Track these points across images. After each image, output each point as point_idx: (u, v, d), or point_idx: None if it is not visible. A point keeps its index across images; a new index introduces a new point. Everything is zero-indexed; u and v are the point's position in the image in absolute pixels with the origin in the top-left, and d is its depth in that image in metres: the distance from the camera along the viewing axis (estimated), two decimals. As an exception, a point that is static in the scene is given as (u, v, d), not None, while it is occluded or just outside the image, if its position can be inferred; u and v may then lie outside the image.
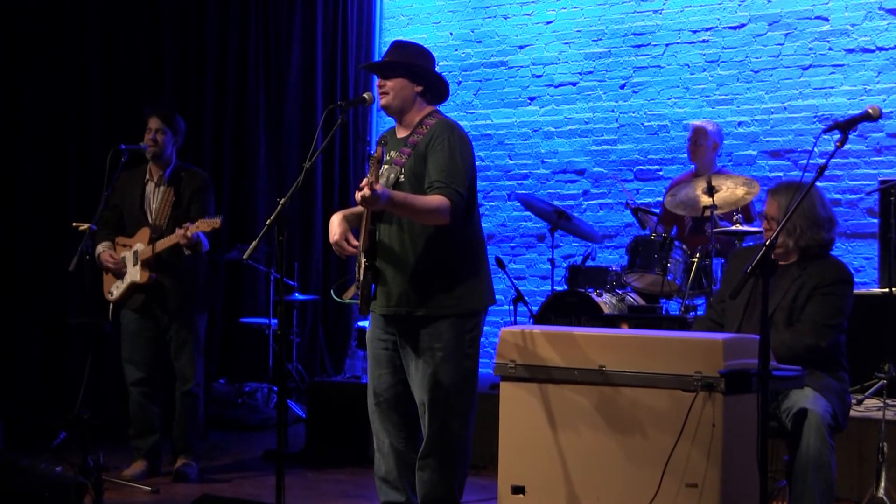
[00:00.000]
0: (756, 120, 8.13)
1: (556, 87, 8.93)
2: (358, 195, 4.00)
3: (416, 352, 4.28)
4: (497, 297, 4.49)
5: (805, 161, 7.69)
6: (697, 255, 6.53)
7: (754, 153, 8.13)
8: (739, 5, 8.24)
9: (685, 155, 7.50)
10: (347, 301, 4.48)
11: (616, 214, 8.59)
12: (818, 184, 3.97)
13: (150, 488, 5.65)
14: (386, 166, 4.34)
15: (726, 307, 4.60)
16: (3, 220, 7.51)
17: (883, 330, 5.96)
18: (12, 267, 7.53)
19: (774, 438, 4.30)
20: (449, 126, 4.34)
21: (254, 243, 4.04)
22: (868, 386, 5.90)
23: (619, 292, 7.01)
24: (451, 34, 9.38)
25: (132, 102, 7.97)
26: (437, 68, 4.53)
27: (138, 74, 8.17)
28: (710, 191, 6.28)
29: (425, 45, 4.57)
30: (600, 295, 6.87)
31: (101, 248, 6.03)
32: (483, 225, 4.73)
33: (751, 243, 6.34)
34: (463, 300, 4.28)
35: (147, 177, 6.10)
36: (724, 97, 8.25)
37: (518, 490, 4.08)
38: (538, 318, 6.91)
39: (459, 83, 9.18)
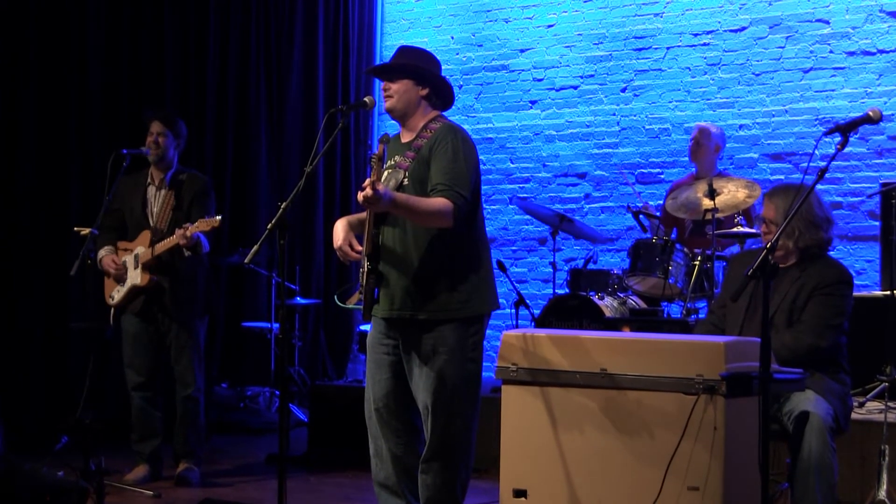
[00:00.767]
0: (757, 123, 8.14)
1: (557, 90, 8.94)
2: (360, 195, 3.99)
3: (419, 355, 4.27)
4: (499, 300, 4.49)
5: (806, 164, 7.69)
6: (699, 258, 6.53)
7: (755, 156, 8.13)
8: (740, 8, 8.25)
9: (686, 158, 7.50)
10: (352, 307, 4.46)
11: (617, 218, 8.59)
12: (817, 186, 3.96)
13: (151, 493, 5.66)
14: (389, 170, 4.33)
15: (727, 310, 4.60)
16: (4, 223, 7.51)
17: (884, 332, 5.96)
18: (14, 271, 7.53)
19: (776, 441, 4.30)
20: (453, 130, 4.32)
21: (255, 247, 4.04)
22: (870, 388, 5.89)
23: (621, 295, 7.01)
24: (453, 38, 9.39)
25: (133, 105, 7.99)
26: (440, 70, 4.51)
27: (139, 77, 8.18)
28: (712, 194, 6.29)
29: (429, 50, 4.57)
30: (602, 298, 6.87)
31: (103, 253, 6.03)
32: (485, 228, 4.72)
33: (754, 246, 6.34)
34: (466, 304, 4.27)
35: (148, 180, 6.11)
36: (725, 100, 8.25)
37: (520, 493, 4.07)
38: (540, 322, 6.91)
39: (461, 87, 9.19)
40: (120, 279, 6.01)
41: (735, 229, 6.37)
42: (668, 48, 8.50)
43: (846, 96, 7.79)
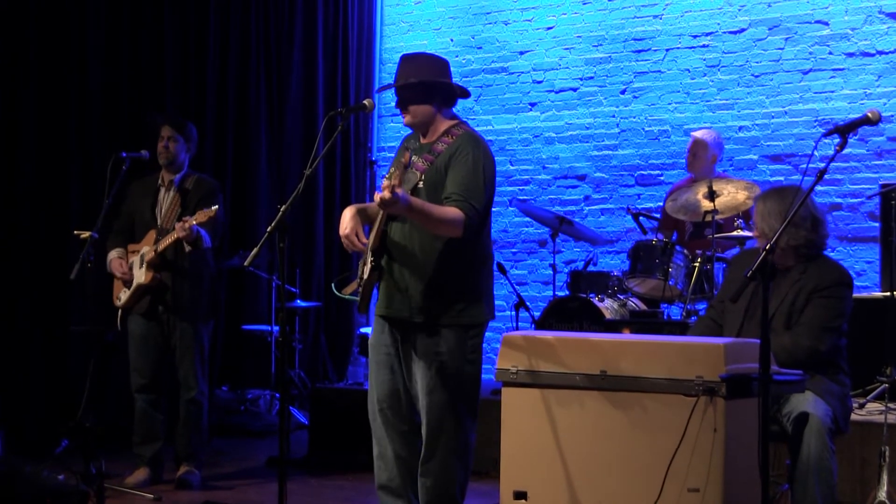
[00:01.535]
0: (757, 124, 8.14)
1: (556, 92, 8.95)
2: (377, 196, 3.99)
3: (417, 356, 4.28)
4: (499, 302, 4.51)
5: (805, 165, 7.69)
6: (699, 260, 6.54)
7: (755, 158, 8.13)
8: (740, 10, 8.25)
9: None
10: (347, 297, 4.46)
11: (617, 219, 8.59)
12: (818, 187, 3.97)
13: (152, 496, 5.65)
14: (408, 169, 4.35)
15: (726, 310, 4.60)
16: (4, 223, 7.51)
17: (884, 334, 5.97)
18: (14, 272, 7.53)
19: (775, 442, 4.30)
20: (474, 141, 4.33)
21: (255, 250, 4.04)
22: (870, 390, 5.89)
23: (621, 297, 7.01)
24: (452, 40, 9.39)
25: (133, 105, 8.00)
26: (450, 72, 4.47)
27: (139, 77, 8.18)
28: (712, 196, 6.29)
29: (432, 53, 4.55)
30: (602, 300, 6.87)
31: (113, 256, 6.08)
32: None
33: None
34: (463, 314, 4.28)
35: (159, 182, 6.16)
36: (724, 102, 8.26)
37: (520, 495, 4.07)
38: (540, 324, 6.91)
39: (460, 88, 9.18)
40: (127, 282, 6.03)
41: (735, 232, 6.37)
42: (667, 50, 8.51)
43: (845, 98, 7.79)
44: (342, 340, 9.11)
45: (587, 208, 8.77)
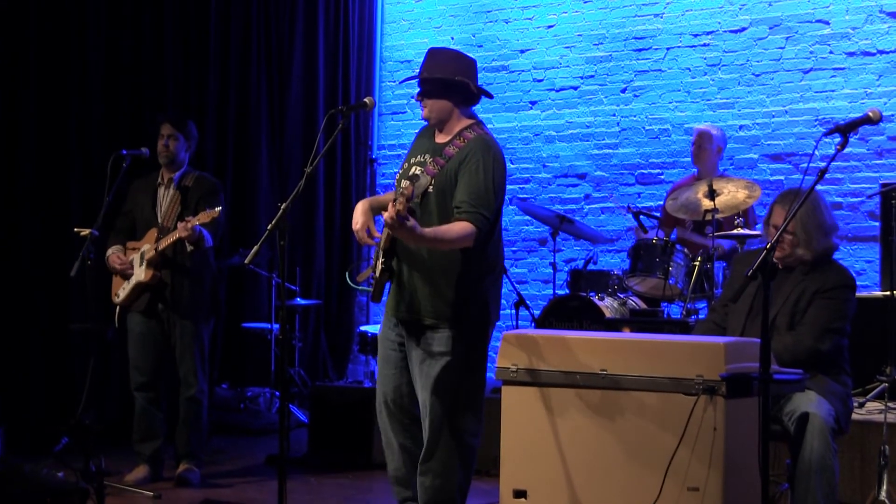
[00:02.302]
0: (757, 123, 8.14)
1: (557, 91, 8.94)
2: (386, 216, 3.99)
3: (421, 355, 4.29)
4: (499, 312, 4.51)
5: (806, 164, 7.69)
6: (699, 259, 6.54)
7: (755, 157, 8.13)
8: (740, 9, 8.25)
9: (687, 158, 7.51)
10: (359, 288, 4.49)
11: (617, 218, 8.59)
12: (818, 188, 3.97)
13: (152, 493, 5.65)
14: (416, 167, 4.33)
15: (729, 311, 4.60)
16: (4, 223, 7.51)
17: (884, 333, 5.96)
18: (14, 271, 7.53)
19: (776, 442, 4.30)
20: (486, 145, 4.32)
21: (255, 248, 4.04)
22: (870, 389, 5.89)
23: (621, 296, 7.01)
24: (453, 38, 9.39)
25: (133, 105, 7.99)
26: (475, 71, 4.46)
27: (139, 77, 8.18)
28: (712, 194, 6.29)
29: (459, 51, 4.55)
30: (602, 299, 6.87)
31: (111, 251, 6.08)
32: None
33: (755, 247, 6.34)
34: (470, 317, 4.29)
35: (159, 181, 6.16)
36: (725, 101, 8.25)
37: (520, 494, 4.08)
38: (540, 323, 6.91)
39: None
40: (125, 275, 6.03)
41: (735, 230, 6.37)
42: (668, 49, 8.50)
43: (846, 97, 7.79)
44: (342, 338, 9.12)
45: (587, 207, 8.77)
